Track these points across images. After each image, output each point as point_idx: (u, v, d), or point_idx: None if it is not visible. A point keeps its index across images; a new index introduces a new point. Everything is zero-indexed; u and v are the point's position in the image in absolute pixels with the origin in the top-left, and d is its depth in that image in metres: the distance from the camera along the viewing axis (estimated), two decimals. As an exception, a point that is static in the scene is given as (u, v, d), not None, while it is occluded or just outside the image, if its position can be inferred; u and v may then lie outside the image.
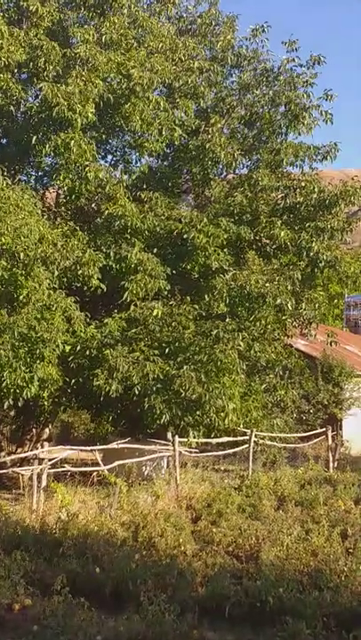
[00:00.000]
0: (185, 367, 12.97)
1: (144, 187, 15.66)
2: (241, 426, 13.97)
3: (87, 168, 13.93)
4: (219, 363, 13.15)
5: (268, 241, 15.68)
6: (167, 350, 13.29)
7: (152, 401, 12.82)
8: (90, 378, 13.04)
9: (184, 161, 16.14)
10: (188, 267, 14.60)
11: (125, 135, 15.61)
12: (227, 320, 13.99)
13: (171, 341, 13.43)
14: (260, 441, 14.43)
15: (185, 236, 14.43)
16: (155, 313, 13.45)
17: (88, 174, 13.88)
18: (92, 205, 15.11)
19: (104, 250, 14.10)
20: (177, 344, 13.38)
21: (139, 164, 15.73)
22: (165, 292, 14.22)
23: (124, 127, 14.90)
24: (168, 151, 16.23)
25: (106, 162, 16.04)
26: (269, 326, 14.81)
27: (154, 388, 12.91)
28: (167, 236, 14.88)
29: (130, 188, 15.21)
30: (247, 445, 14.01)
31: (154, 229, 14.61)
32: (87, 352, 13.20)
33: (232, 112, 16.46)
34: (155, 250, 14.69)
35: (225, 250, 14.81)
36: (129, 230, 14.31)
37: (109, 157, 16.27)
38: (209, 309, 14.25)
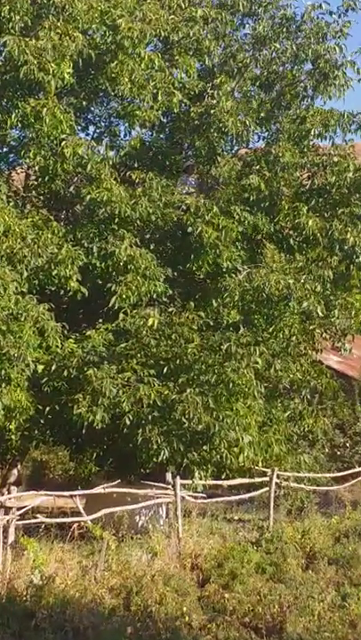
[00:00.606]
0: (188, 390, 13.03)
1: (135, 165, 15.72)
2: (259, 464, 14.03)
3: (63, 142, 14.01)
4: (231, 385, 13.21)
5: (291, 232, 15.74)
6: (166, 369, 13.36)
7: (147, 433, 12.88)
8: (68, 405, 13.07)
9: (185, 133, 16.17)
10: (193, 267, 14.73)
11: (111, 101, 15.71)
12: (240, 331, 14.05)
13: (170, 358, 13.49)
14: (284, 482, 14.38)
15: (189, 230, 14.53)
16: (150, 323, 13.51)
17: (65, 150, 13.95)
18: (71, 189, 15.14)
19: (85, 244, 14.14)
20: (178, 361, 13.44)
21: (128, 138, 15.79)
22: (163, 297, 14.30)
23: (109, 91, 14.98)
24: (165, 121, 16.27)
25: (87, 135, 16.07)
26: (294, 338, 14.87)
27: (149, 418, 12.97)
28: (165, 227, 14.95)
29: (117, 167, 15.26)
30: (267, 488, 13.94)
31: (148, 219, 14.64)
32: (65, 372, 13.25)
33: (245, 71, 16.49)
34: (150, 244, 14.74)
35: (238, 244, 14.92)
36: (117, 220, 14.33)
37: (91, 129, 16.35)
38: (218, 318, 14.39)
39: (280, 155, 15.61)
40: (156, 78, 14.96)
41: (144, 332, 13.63)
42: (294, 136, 16.36)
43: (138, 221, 14.60)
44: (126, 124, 15.50)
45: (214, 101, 15.49)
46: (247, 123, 15.49)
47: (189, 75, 15.74)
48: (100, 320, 14.19)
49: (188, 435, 13.00)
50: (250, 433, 13.28)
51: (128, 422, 12.92)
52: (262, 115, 16.33)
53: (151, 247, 14.68)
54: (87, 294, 13.92)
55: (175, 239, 15.16)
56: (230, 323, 14.22)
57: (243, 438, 13.08)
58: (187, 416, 12.78)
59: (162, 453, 12.82)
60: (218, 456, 13.08)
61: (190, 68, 15.69)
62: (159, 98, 14.85)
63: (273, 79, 16.64)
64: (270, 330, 14.51)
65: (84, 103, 15.42)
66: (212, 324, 14.16)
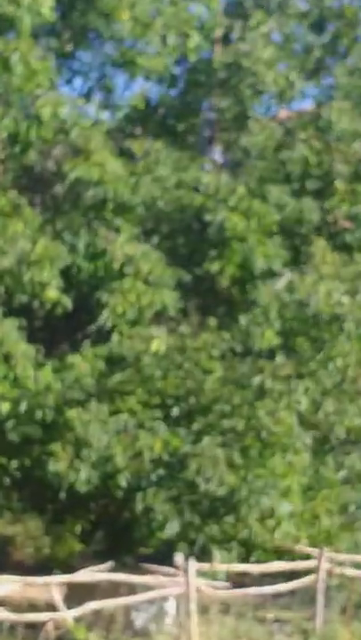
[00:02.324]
0: (206, 440, 13.06)
1: (137, 132, 15.93)
2: (303, 542, 13.94)
3: (40, 100, 14.06)
4: (264, 433, 13.23)
5: (348, 223, 15.78)
6: (176, 411, 13.41)
7: (150, 499, 12.91)
8: (43, 459, 13.10)
9: (205, 89, 16.34)
10: (214, 268, 14.74)
11: (105, 45, 15.68)
12: (278, 359, 14.05)
13: (182, 396, 13.52)
14: (337, 569, 14.01)
15: (208, 218, 14.58)
16: (154, 347, 13.55)
17: (41, 110, 14.01)
18: (49, 163, 15.26)
19: (69, 239, 14.22)
20: (193, 400, 13.48)
21: (128, 94, 16.03)
22: (173, 311, 14.34)
23: (102, 32, 15.10)
24: (178, 72, 16.38)
25: (73, 90, 16.37)
26: (350, 371, 14.74)
27: (153, 477, 13.04)
28: (177, 216, 15.03)
29: (113, 135, 15.37)
30: (314, 576, 13.69)
31: (153, 205, 14.74)
32: (39, 414, 13.28)
33: (286, 6, 16.62)
34: (155, 239, 14.84)
35: (275, 238, 14.91)
36: (111, 206, 14.39)
37: (78, 82, 16.52)
38: (247, 341, 14.41)
39: (334, 119, 15.69)
40: (165, 13, 15.07)
41: (146, 360, 13.61)
42: (354, 94, 16.48)
43: (140, 208, 14.67)
44: (125, 76, 15.67)
45: (246, 47, 15.60)
46: (290, 76, 15.58)
47: (211, 10, 15.86)
48: (88, 342, 14.17)
49: (206, 501, 13.01)
50: (290, 500, 13.29)
51: (124, 483, 12.92)
52: (311, 65, 16.50)
53: (157, 243, 14.80)
54: (70, 307, 13.93)
55: (190, 232, 15.29)
56: (265, 348, 14.30)
57: (280, 507, 13.07)
58: (204, 476, 12.78)
59: (169, 527, 12.85)
60: (246, 531, 13.10)
61: (212, 0, 15.79)
62: (169, 41, 14.92)
63: (326, 17, 16.79)
64: (319, 359, 14.55)
65: (68, 47, 15.53)
66: (239, 349, 14.17)
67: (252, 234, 14.55)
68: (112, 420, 13.13)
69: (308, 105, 16.95)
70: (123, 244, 13.98)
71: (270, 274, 14.69)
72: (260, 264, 14.60)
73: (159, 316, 14.34)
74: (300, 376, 13.94)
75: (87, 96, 15.73)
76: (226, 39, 16.02)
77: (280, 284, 14.48)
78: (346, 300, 14.22)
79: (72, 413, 13.01)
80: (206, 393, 13.42)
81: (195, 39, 15.15)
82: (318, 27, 16.84)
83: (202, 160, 15.90)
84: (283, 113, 16.97)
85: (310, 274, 14.55)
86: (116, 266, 13.96)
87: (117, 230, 14.21)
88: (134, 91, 15.81)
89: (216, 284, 15.18)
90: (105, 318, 13.76)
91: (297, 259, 15.21)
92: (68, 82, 16.19)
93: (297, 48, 16.45)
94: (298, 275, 14.56)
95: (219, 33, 15.98)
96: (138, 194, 14.47)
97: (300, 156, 15.31)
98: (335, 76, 16.65)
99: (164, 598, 13.00)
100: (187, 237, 15.23)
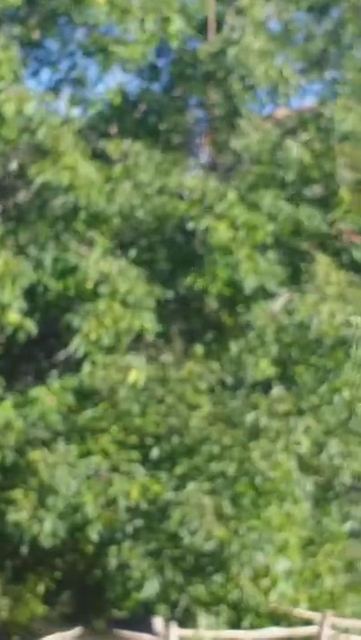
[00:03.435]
0: (191, 486, 13.04)
1: (113, 132, 15.81)
2: (303, 605, 13.85)
3: (2, 95, 14.05)
4: (259, 478, 13.17)
5: (356, 238, 15.62)
6: (156, 452, 13.40)
7: (125, 554, 12.94)
8: (2, 507, 13.08)
9: (191, 83, 16.29)
10: (199, 285, 14.58)
11: (77, 30, 15.68)
12: (274, 392, 14.05)
13: (164, 434, 13.52)
14: (342, 637, 13.86)
15: (190, 226, 14.55)
16: (132, 378, 13.51)
17: (4, 106, 13.96)
18: (12, 166, 15.09)
19: (34, 253, 14.15)
20: (176, 440, 13.46)
21: (103, 89, 15.87)
22: (154, 337, 14.28)
23: (74, 16, 15.04)
24: (160, 63, 16.42)
25: (40, 83, 16.23)
26: (359, 405, 14.56)
27: (129, 528, 13.04)
28: (159, 228, 14.99)
29: (86, 134, 15.33)
30: (315, 644, 14.04)
31: (132, 214, 14.65)
32: (-4, 455, 13.36)
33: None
34: (134, 253, 14.77)
35: (271, 252, 14.84)
36: (83, 216, 14.29)
37: (46, 74, 16.47)
38: (240, 371, 14.39)
39: (338, 118, 15.58)
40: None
41: (122, 393, 13.55)
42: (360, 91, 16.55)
43: (116, 218, 14.55)
44: (100, 67, 15.49)
45: (236, 35, 15.47)
46: (287, 69, 15.45)
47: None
48: (55, 372, 14.20)
49: (191, 557, 13.01)
50: (288, 556, 13.25)
51: (95, 536, 12.89)
52: (311, 57, 16.49)
53: (136, 258, 14.67)
54: (35, 332, 13.81)
55: (173, 245, 15.21)
56: (259, 379, 14.24)
57: (277, 564, 13.04)
58: (188, 527, 12.77)
59: (148, 586, 12.80)
60: (237, 592, 13.03)
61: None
62: (148, 26, 14.84)
63: (328, 1, 16.77)
64: (322, 391, 14.43)
65: (34, 35, 15.48)
66: (230, 381, 14.14)
67: (241, 246, 14.35)
68: (82, 463, 13.07)
69: (308, 103, 16.87)
70: (97, 260, 13.85)
71: (265, 294, 14.51)
72: (250, 282, 14.33)
73: (138, 343, 14.22)
74: (300, 412, 13.88)
75: (56, 90, 15.68)
76: (219, 27, 15.95)
77: (277, 304, 14.41)
78: (354, 319, 13.83)
79: (36, 455, 12.94)
80: (192, 431, 13.38)
81: (176, 23, 15.02)
82: (321, 11, 16.82)
83: (187, 163, 15.84)
84: (279, 111, 16.87)
85: (312, 293, 14.38)
86: (89, 285, 13.84)
87: (91, 244, 14.12)
88: (110, 84, 15.71)
89: (203, 305, 15.06)
90: (76, 345, 13.59)
91: (295, 277, 15.06)
92: (35, 74, 16.14)
93: (295, 36, 16.50)
94: (297, 293, 14.42)
95: (211, 19, 15.91)
96: (114, 202, 14.34)
97: (298, 159, 15.20)
98: (339, 69, 16.66)
99: (141, 669, 13.22)
100: (170, 251, 15.14)
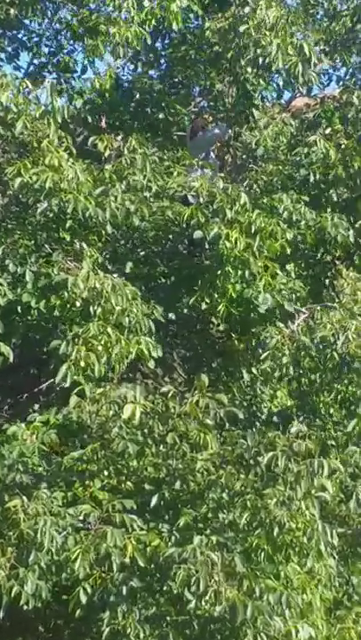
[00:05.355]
0: (196, 540, 12.69)
1: (104, 126, 15.90)
2: None
3: None
4: (276, 530, 12.84)
5: None
6: (155, 500, 13.13)
7: (119, 620, 12.59)
8: None
9: (193, 67, 16.33)
10: (204, 303, 14.50)
11: (62, 9, 15.76)
12: (294, 428, 13.69)
13: (164, 479, 13.28)
14: None
15: (197, 235, 14.42)
16: (127, 413, 13.14)
17: None
18: None
19: (12, 268, 13.95)
20: (179, 485, 13.19)
21: (92, 76, 15.70)
22: (154, 364, 14.07)
23: None
24: (159, 46, 16.73)
25: (18, 69, 16.37)
26: None
27: (123, 589, 12.69)
28: (158, 237, 14.86)
29: (72, 128, 15.34)
30: None
31: (127, 221, 14.40)
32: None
33: None
34: (128, 267, 14.63)
35: (290, 265, 14.81)
36: (68, 224, 14.09)
37: (25, 59, 16.66)
38: (252, 402, 14.59)
39: None
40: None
41: (116, 431, 13.29)
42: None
43: (108, 226, 14.33)
44: (88, 53, 15.52)
45: (246, 9, 15.34)
46: (307, 49, 15.26)
47: None
48: (37, 406, 14.18)
49: (197, 623, 12.75)
50: (311, 621, 13.05)
51: (84, 599, 12.58)
52: (335, 37, 16.56)
53: (132, 272, 14.54)
54: (13, 359, 13.59)
55: (176, 257, 15.13)
56: (275, 411, 14.34)
57: (298, 631, 12.77)
58: (194, 588, 12.40)
59: None
60: None
61: None
62: (145, 3, 14.80)
63: None
64: (350, 426, 14.25)
65: (11, 12, 15.41)
66: (241, 414, 13.83)
67: (255, 259, 14.26)
68: (69, 513, 12.76)
69: (331, 90, 17.38)
70: (86, 275, 13.56)
71: (281, 312, 14.40)
72: (265, 299, 14.26)
73: (134, 372, 14.24)
74: (324, 452, 13.62)
75: (37, 77, 15.63)
76: (221, 1, 16.00)
77: (296, 324, 14.24)
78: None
79: (14, 503, 12.60)
80: (197, 476, 13.08)
81: (179, 1, 15.02)
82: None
83: (191, 161, 15.54)
84: (298, 100, 17.18)
85: (336, 310, 14.30)
86: (78, 304, 13.59)
87: (79, 256, 13.87)
88: (101, 71, 15.77)
89: (210, 326, 15.06)
90: (61, 374, 13.26)
91: (317, 292, 15.13)
92: (11, 58, 16.21)
93: (316, 12, 16.68)
94: (321, 311, 14.28)
95: None
96: (106, 207, 14.10)
97: (320, 153, 15.21)
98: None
99: None
100: (171, 264, 15.05)
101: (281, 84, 16.08)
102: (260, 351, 14.06)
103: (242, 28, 15.15)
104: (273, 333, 13.95)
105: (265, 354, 13.90)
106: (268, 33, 15.11)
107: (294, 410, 14.19)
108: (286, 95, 17.15)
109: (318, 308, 14.34)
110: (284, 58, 15.21)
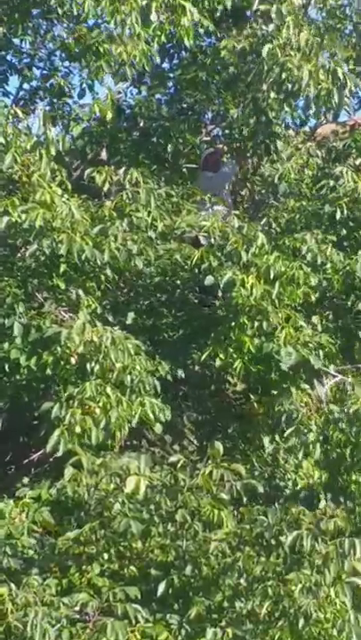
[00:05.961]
0: (210, 633, 12.52)
1: (103, 157, 15.87)
2: None
3: None
4: (300, 621, 12.58)
5: None
6: (163, 587, 12.90)
7: None
8: None
9: (205, 91, 16.17)
10: (218, 359, 14.34)
11: (56, 27, 15.69)
12: (322, 505, 13.65)
13: (172, 562, 13.08)
14: None
15: (208, 280, 14.34)
16: (130, 487, 12.90)
17: None
18: None
19: None
20: (189, 570, 12.99)
21: (90, 102, 15.59)
22: (160, 430, 13.97)
23: (52, 6, 15.00)
24: (166, 66, 16.61)
25: (6, 95, 16.16)
26: None
27: None
28: (165, 283, 14.83)
29: (67, 160, 15.10)
30: None
31: (129, 265, 14.23)
32: None
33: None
34: (131, 317, 14.57)
35: (316, 317, 14.69)
36: (62, 268, 13.89)
37: (14, 83, 16.35)
38: (275, 475, 14.34)
39: None
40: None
41: (118, 507, 13.00)
42: None
43: (108, 270, 14.22)
44: (87, 74, 15.37)
45: (267, 28, 15.20)
46: (341, 74, 15.12)
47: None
48: (27, 480, 13.98)
49: None
50: None
51: None
52: None
53: (135, 324, 14.47)
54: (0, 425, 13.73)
55: (186, 307, 15.05)
56: (301, 487, 14.09)
57: None
58: None
59: None
60: None
61: None
62: (152, 18, 14.58)
63: None
64: None
65: (1, 30, 15.43)
66: (261, 488, 13.59)
67: (275, 308, 14.15)
68: (64, 603, 12.38)
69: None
70: (82, 327, 13.27)
71: (308, 371, 14.17)
72: (288, 355, 14.03)
73: (138, 439, 13.98)
74: (355, 531, 13.24)
75: (28, 103, 15.71)
76: (237, 17, 15.95)
77: (325, 388, 14.12)
78: None
79: (1, 592, 12.24)
80: (210, 559, 12.83)
81: (189, 16, 14.75)
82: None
83: (203, 197, 15.37)
84: (324, 127, 17.01)
85: None
86: (73, 360, 13.33)
87: (75, 306, 13.60)
88: (100, 96, 15.48)
89: (225, 386, 14.90)
90: (54, 442, 13.02)
91: (348, 348, 14.97)
92: (1, 82, 16.16)
93: (346, 27, 16.62)
94: (354, 372, 14.22)
95: (226, 8, 15.69)
96: (105, 249, 13.83)
97: (348, 190, 15.19)
98: None
99: None
100: (180, 315, 14.97)
101: (312, 112, 16.04)
102: (283, 421, 14.08)
103: (265, 49, 15.02)
104: (298, 405, 13.90)
105: (289, 430, 13.93)
106: (294, 54, 15.05)
107: (320, 488, 14.10)
108: (311, 121, 17.25)
109: (351, 369, 14.28)
110: (315, 84, 15.17)
